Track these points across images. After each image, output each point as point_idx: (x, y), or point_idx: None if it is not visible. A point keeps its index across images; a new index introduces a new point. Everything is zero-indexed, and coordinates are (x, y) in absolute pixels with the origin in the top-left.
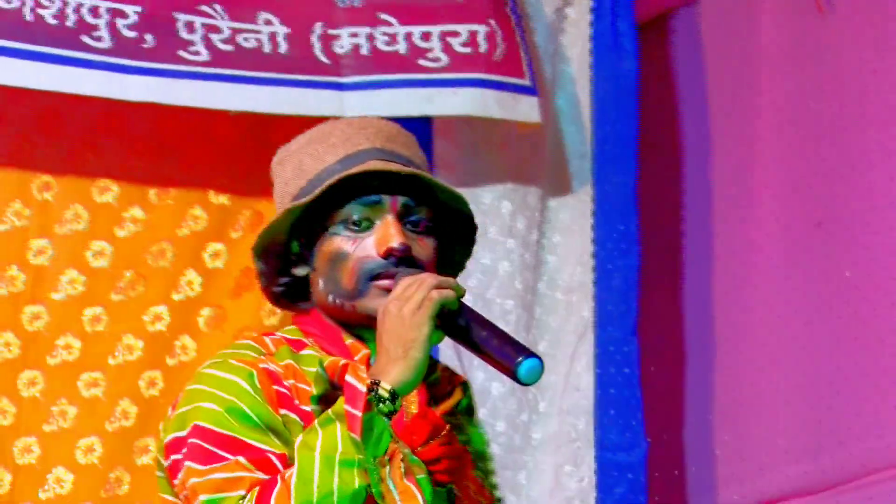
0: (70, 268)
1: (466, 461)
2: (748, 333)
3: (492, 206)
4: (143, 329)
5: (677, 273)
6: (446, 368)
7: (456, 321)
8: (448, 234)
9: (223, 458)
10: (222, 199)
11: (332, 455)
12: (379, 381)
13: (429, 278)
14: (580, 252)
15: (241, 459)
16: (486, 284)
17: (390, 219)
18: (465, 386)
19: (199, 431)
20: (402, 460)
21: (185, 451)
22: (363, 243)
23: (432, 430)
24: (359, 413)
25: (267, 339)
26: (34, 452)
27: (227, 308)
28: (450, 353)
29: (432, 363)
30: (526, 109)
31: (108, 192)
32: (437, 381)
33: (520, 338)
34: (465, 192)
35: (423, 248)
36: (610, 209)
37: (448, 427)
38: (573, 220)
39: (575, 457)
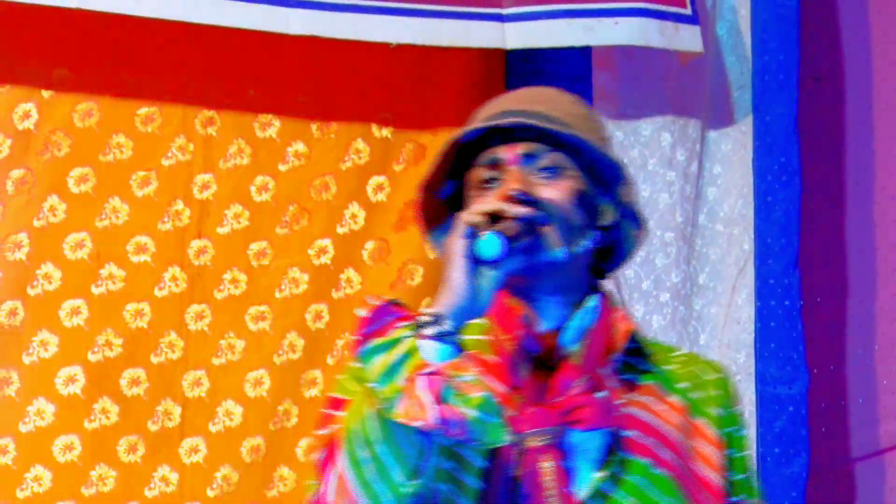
0: (234, 202)
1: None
2: None
3: (652, 137)
4: (308, 262)
5: (839, 204)
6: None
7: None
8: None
9: (331, 419)
10: (385, 133)
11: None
12: (424, 311)
13: (474, 207)
14: (741, 184)
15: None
16: (646, 217)
17: (512, 169)
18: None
19: (326, 400)
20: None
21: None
22: (487, 197)
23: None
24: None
25: None
26: (203, 385)
27: (391, 241)
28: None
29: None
30: (688, 38)
31: (270, 126)
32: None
33: (680, 270)
34: (625, 124)
35: (555, 188)
36: (771, 140)
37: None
38: (734, 151)
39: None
